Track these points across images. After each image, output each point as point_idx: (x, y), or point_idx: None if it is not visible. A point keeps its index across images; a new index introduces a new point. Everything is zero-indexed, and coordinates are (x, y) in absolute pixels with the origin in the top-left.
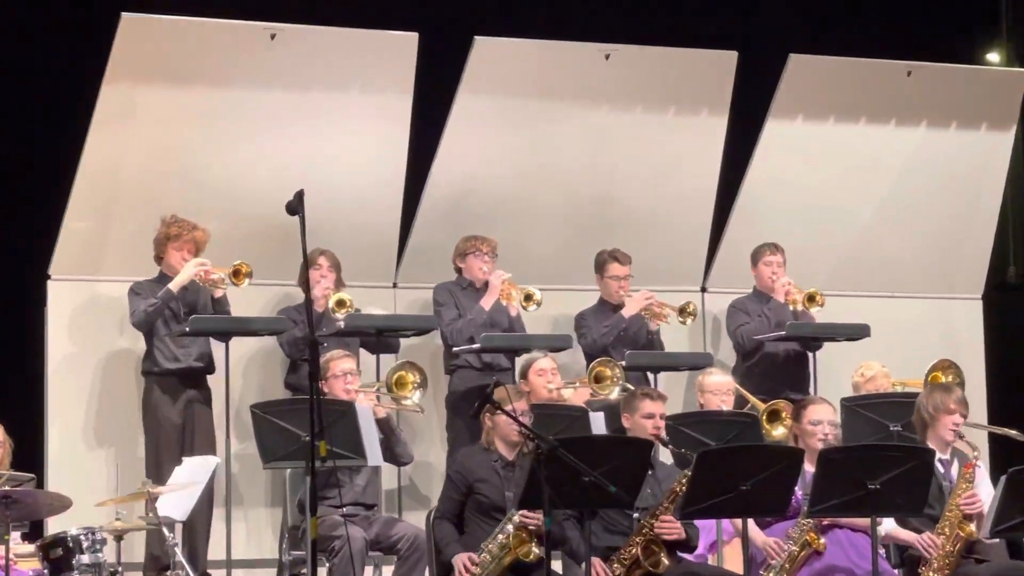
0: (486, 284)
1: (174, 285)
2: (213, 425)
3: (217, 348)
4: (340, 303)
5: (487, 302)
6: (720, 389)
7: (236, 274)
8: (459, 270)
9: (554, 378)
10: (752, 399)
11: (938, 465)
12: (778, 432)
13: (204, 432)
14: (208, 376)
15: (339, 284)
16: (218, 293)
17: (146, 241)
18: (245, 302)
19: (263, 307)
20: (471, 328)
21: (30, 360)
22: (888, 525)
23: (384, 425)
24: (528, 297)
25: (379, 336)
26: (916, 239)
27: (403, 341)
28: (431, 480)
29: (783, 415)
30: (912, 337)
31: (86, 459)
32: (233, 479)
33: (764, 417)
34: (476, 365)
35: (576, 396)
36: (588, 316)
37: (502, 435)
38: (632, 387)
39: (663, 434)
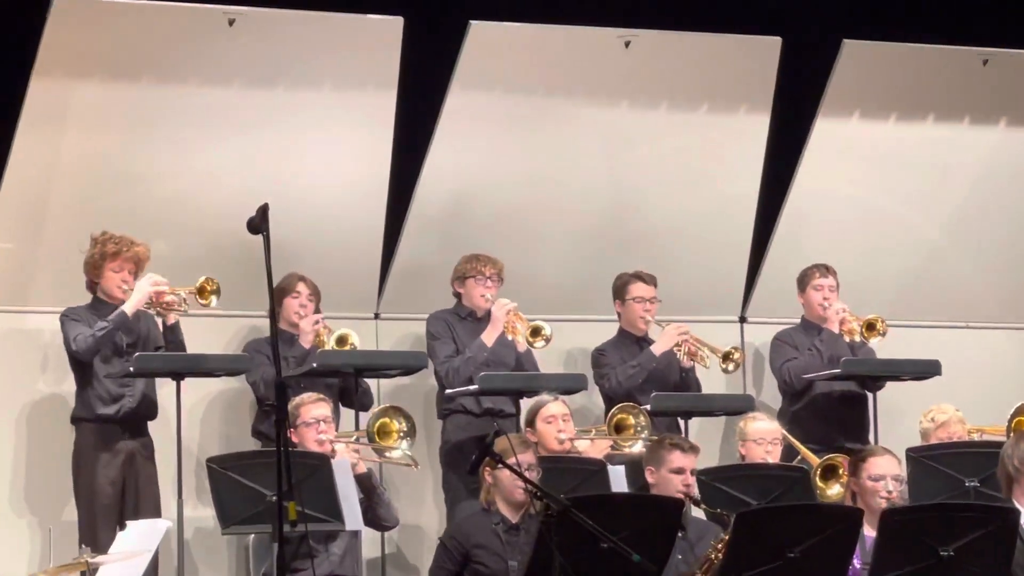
0: (489, 313)
1: (128, 307)
2: (158, 483)
3: (164, 387)
4: (342, 340)
5: (489, 337)
6: (765, 438)
7: (201, 292)
8: (458, 296)
9: (566, 426)
10: (803, 450)
11: None
12: (834, 491)
13: (148, 492)
14: (149, 423)
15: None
16: (171, 319)
17: (79, 265)
18: (204, 336)
19: (227, 342)
20: (471, 367)
21: None
22: None
23: (365, 482)
24: (535, 332)
25: (358, 376)
26: (993, 259)
27: (387, 382)
28: (421, 546)
29: (840, 471)
30: (990, 375)
31: (9, 525)
32: (187, 547)
33: (818, 474)
34: (474, 410)
35: (593, 448)
36: (609, 352)
37: (505, 493)
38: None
39: (694, 492)
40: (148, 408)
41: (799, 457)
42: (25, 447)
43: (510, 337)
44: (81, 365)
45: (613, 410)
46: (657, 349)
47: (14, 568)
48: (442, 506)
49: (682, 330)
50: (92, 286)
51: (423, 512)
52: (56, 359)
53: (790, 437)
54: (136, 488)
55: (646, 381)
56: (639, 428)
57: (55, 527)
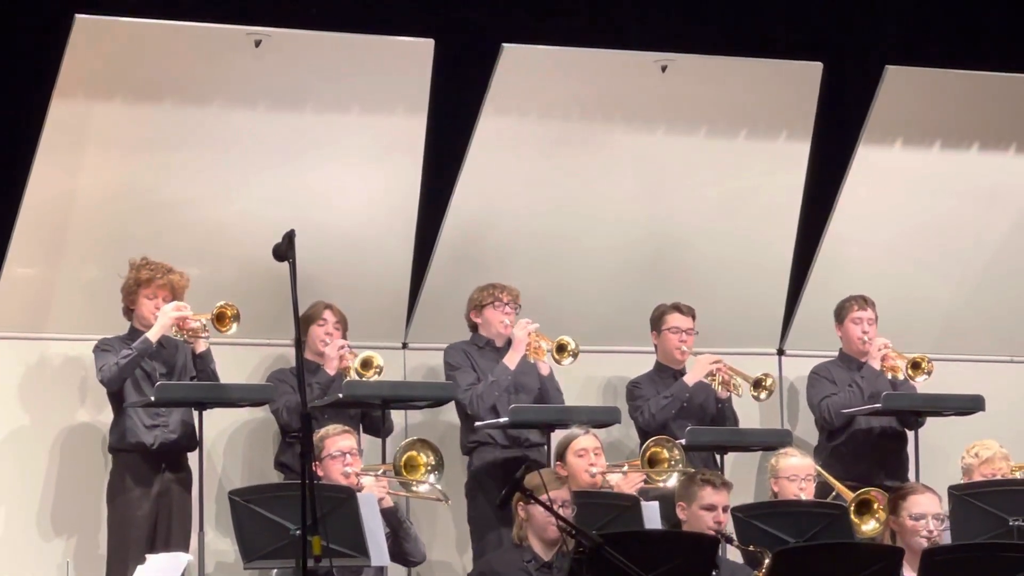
0: (508, 342)
1: (152, 334)
2: (191, 517)
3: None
4: (366, 364)
5: (512, 360)
6: (799, 474)
7: (220, 319)
8: (474, 327)
9: (597, 460)
10: (838, 486)
11: None
12: (869, 527)
13: (182, 525)
14: (189, 454)
15: None
16: (200, 347)
17: (104, 291)
18: (229, 365)
19: (252, 371)
20: (494, 392)
21: None
22: None
23: (391, 516)
24: (561, 348)
25: (384, 408)
26: None
27: (409, 416)
28: None
29: (875, 506)
30: None
31: (35, 555)
32: None
33: (852, 509)
34: (502, 441)
35: (626, 482)
36: (644, 384)
37: (537, 530)
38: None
39: (726, 529)
40: (188, 439)
41: (834, 494)
42: (56, 475)
43: (532, 360)
44: (116, 394)
45: (647, 443)
46: (690, 380)
47: None
48: (466, 540)
49: (715, 359)
50: (128, 313)
51: (447, 547)
52: (94, 388)
53: (824, 472)
54: (169, 522)
55: (683, 414)
56: (673, 462)
57: (80, 560)
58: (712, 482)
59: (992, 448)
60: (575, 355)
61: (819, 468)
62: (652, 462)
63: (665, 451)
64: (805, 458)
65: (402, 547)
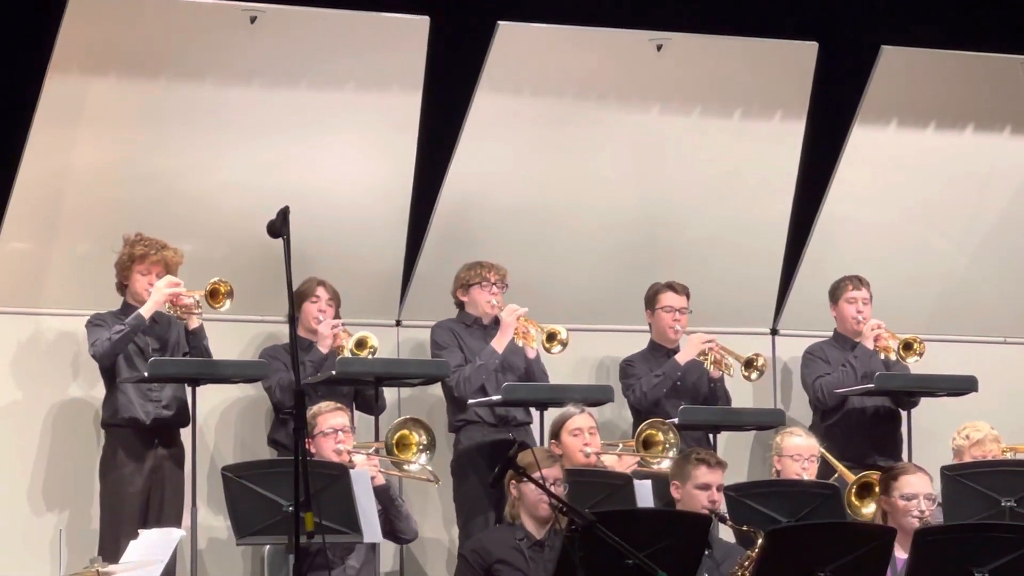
0: (496, 321)
1: (145, 310)
2: (184, 493)
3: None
4: (360, 344)
5: (500, 343)
6: (803, 454)
7: (213, 295)
8: (461, 304)
9: (592, 439)
10: (841, 468)
11: None
12: (869, 510)
13: (174, 501)
14: (182, 430)
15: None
16: (193, 323)
17: (97, 266)
18: (222, 341)
19: (244, 348)
20: (482, 375)
21: None
22: None
23: (383, 494)
24: (551, 337)
25: (378, 385)
26: None
27: (398, 393)
28: (437, 559)
29: (876, 489)
30: None
31: (26, 530)
32: (200, 557)
33: (853, 492)
34: (489, 420)
35: (619, 463)
36: (637, 363)
37: (530, 508)
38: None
39: (720, 508)
40: (181, 414)
41: (836, 475)
42: (48, 451)
43: (520, 343)
44: (108, 370)
45: (642, 426)
46: (681, 358)
47: (31, 573)
48: (453, 518)
49: (707, 338)
50: (122, 288)
51: (435, 525)
52: (87, 363)
53: (827, 455)
54: (161, 498)
55: (676, 393)
56: (668, 445)
57: (73, 535)
58: (707, 461)
59: (983, 430)
60: (564, 344)
61: (823, 450)
62: (647, 444)
63: (660, 434)
64: (810, 438)
65: (394, 525)
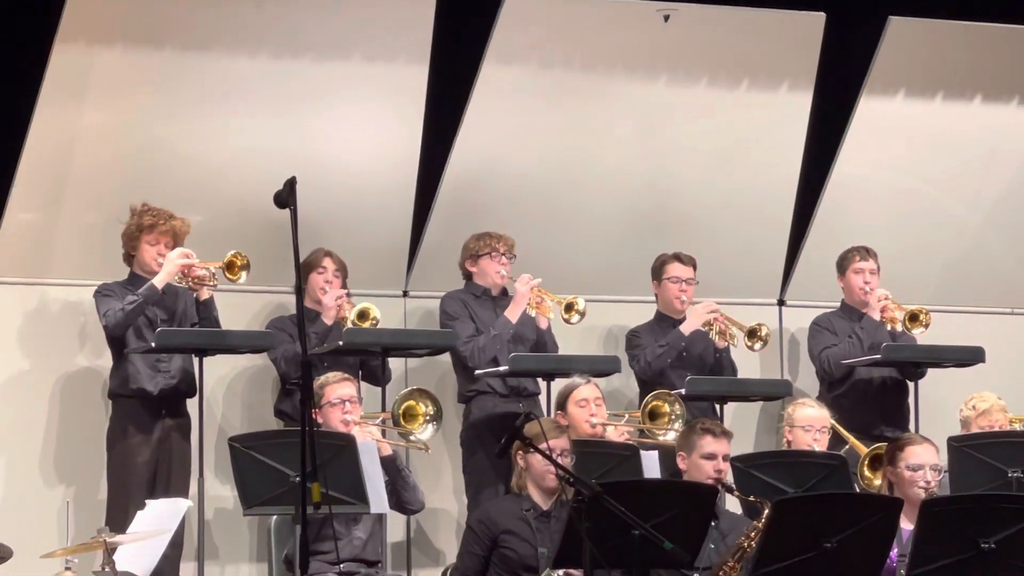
0: (504, 291)
1: (158, 281)
2: (190, 463)
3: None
4: (363, 315)
5: (513, 313)
6: (814, 425)
7: (230, 267)
8: (469, 275)
9: (598, 410)
10: (853, 440)
11: None
12: (881, 481)
13: (182, 471)
14: (189, 401)
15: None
16: (204, 294)
17: (104, 236)
18: (229, 312)
19: (251, 318)
20: (496, 345)
21: None
22: None
23: (390, 465)
24: (569, 307)
25: (385, 355)
26: None
27: (405, 363)
28: (445, 530)
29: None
30: None
31: (35, 501)
32: (207, 527)
33: (866, 464)
34: (500, 391)
35: (615, 433)
36: (642, 333)
37: (536, 479)
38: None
39: (727, 478)
40: (188, 385)
41: (847, 447)
42: (58, 421)
43: (532, 313)
44: (116, 340)
45: (648, 397)
46: (686, 328)
47: (39, 543)
48: (462, 489)
49: (711, 308)
50: (129, 258)
51: (443, 496)
52: (94, 333)
53: (838, 427)
54: (168, 468)
55: (682, 364)
56: (674, 416)
57: (81, 506)
58: (712, 431)
59: (990, 400)
60: (582, 314)
61: (834, 423)
62: (653, 415)
63: (667, 405)
64: (822, 409)
65: (400, 495)
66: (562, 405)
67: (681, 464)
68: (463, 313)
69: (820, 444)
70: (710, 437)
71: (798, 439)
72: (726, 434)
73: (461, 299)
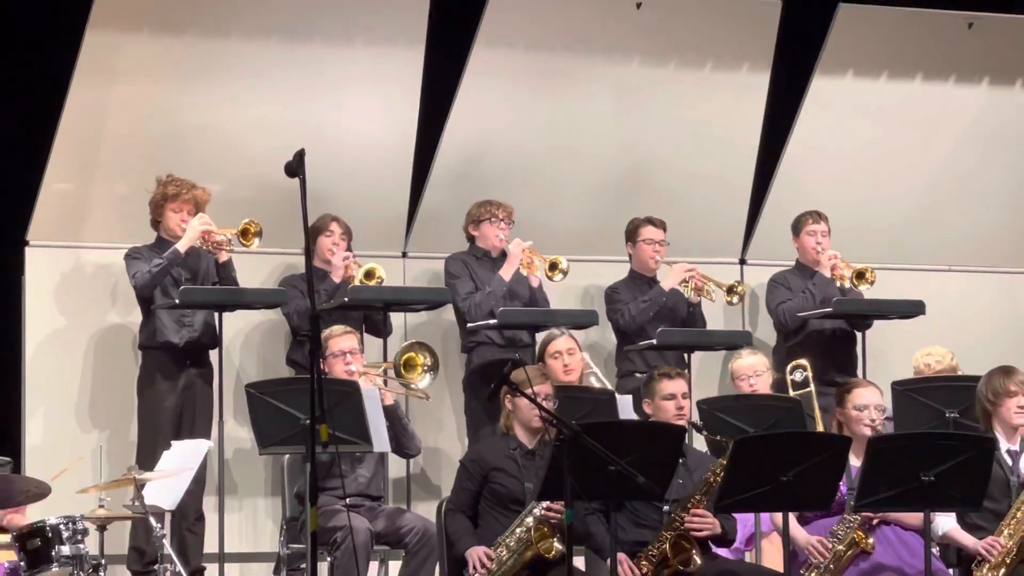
0: (502, 254)
1: (181, 245)
2: (213, 408)
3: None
4: (369, 275)
5: (507, 272)
6: (747, 372)
7: (244, 234)
8: (471, 239)
9: (571, 359)
10: (819, 422)
11: (1005, 456)
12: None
13: (204, 415)
14: (211, 352)
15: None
16: (223, 257)
17: (133, 204)
18: (245, 272)
19: (265, 278)
20: (491, 301)
21: (6, 334)
22: (946, 525)
23: (391, 413)
24: (553, 266)
25: (386, 311)
26: (977, 207)
27: (409, 318)
28: (443, 469)
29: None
30: (973, 315)
31: (71, 443)
32: (227, 465)
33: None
34: (498, 341)
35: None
36: (621, 290)
37: (523, 420)
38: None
39: (690, 415)
40: (211, 337)
41: (807, 389)
42: (92, 372)
43: (525, 273)
44: (145, 298)
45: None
46: (666, 285)
47: (76, 481)
48: (462, 431)
49: (689, 267)
50: (155, 224)
51: (444, 437)
52: (125, 292)
53: (817, 413)
54: (193, 412)
55: (656, 317)
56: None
57: (114, 448)
58: (667, 374)
59: (944, 360)
60: (565, 273)
61: (817, 408)
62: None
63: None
64: (754, 355)
65: (399, 441)
66: (541, 356)
67: (647, 409)
68: (464, 273)
69: (758, 387)
70: (666, 380)
71: (741, 387)
72: (680, 374)
73: (463, 260)
